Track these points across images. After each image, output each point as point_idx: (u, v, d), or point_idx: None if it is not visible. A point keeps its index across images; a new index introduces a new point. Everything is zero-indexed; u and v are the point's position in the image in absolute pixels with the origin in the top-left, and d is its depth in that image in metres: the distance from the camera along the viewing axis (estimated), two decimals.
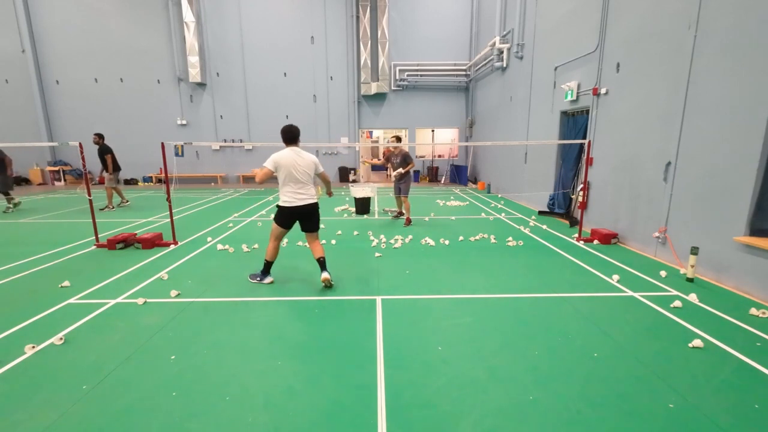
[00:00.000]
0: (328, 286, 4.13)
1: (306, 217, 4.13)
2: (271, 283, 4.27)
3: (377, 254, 5.39)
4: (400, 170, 7.13)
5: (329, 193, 4.67)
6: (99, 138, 9.44)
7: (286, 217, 4.07)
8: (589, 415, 2.20)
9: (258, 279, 4.32)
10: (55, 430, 2.11)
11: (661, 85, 5.12)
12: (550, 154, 8.48)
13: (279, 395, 2.39)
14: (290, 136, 4.06)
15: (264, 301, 3.87)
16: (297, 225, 4.20)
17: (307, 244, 4.54)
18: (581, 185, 6.52)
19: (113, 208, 9.57)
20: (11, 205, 9.29)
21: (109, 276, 4.54)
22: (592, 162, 6.72)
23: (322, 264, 4.18)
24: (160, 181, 15.74)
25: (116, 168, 9.63)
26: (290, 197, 4.00)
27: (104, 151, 9.38)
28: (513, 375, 2.59)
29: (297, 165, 3.96)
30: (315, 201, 4.12)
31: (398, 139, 7.20)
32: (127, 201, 10.23)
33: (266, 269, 4.29)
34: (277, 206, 4.11)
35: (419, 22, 15.19)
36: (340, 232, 6.73)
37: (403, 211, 7.57)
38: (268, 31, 15.03)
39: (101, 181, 9.93)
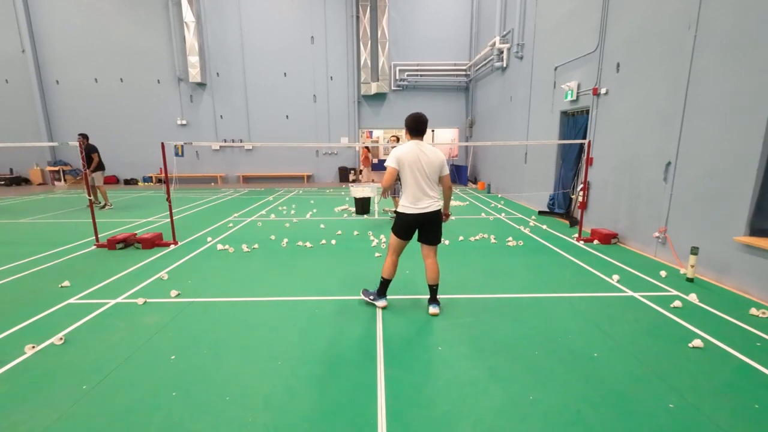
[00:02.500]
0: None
1: (427, 226, 3.44)
2: (385, 307, 3.63)
3: (377, 254, 5.39)
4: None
5: (446, 212, 3.62)
6: (84, 139, 9.26)
7: (406, 225, 3.44)
8: (589, 415, 2.20)
9: (371, 298, 3.70)
10: (55, 430, 2.11)
11: (661, 85, 5.12)
12: (550, 154, 8.48)
13: (279, 395, 2.39)
14: (418, 127, 3.36)
15: (264, 301, 3.87)
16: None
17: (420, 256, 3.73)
18: (581, 185, 6.52)
19: (111, 205, 9.60)
20: None
21: (109, 276, 4.54)
22: (592, 162, 6.72)
23: (433, 292, 3.58)
24: (160, 181, 15.74)
25: (101, 167, 9.51)
26: (412, 201, 3.36)
27: (92, 150, 9.24)
28: (513, 375, 2.59)
29: (421, 162, 3.30)
30: (439, 207, 3.45)
31: (397, 139, 7.21)
32: (111, 204, 10.00)
33: (382, 289, 3.64)
34: (396, 212, 3.53)
35: (419, 22, 15.19)
36: (340, 232, 6.73)
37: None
38: (268, 31, 15.04)
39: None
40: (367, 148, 12.96)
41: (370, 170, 12.70)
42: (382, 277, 3.62)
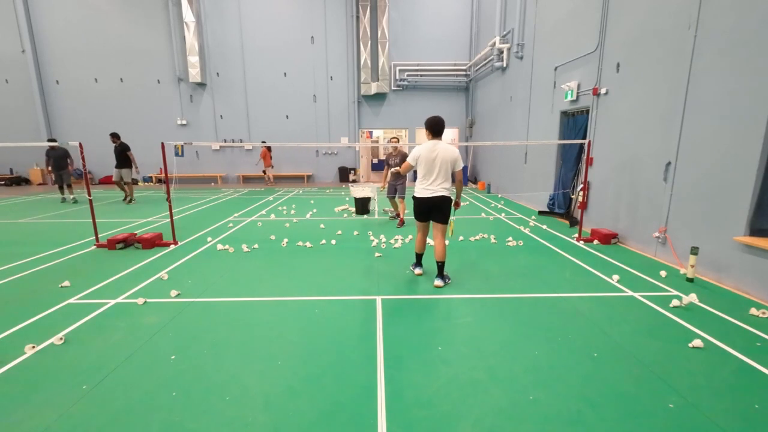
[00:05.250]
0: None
1: (435, 208, 4.11)
2: (420, 275, 4.45)
3: (377, 254, 5.39)
4: (397, 168, 7.10)
5: (456, 201, 4.34)
6: (116, 138, 10.18)
7: (417, 207, 4.21)
8: (589, 415, 2.20)
9: (412, 267, 4.61)
10: (55, 430, 2.11)
11: (661, 85, 5.12)
12: (550, 154, 8.48)
13: (279, 395, 2.39)
14: (435, 129, 4.08)
15: (264, 301, 3.87)
16: None
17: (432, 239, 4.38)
18: (581, 185, 6.52)
19: (135, 200, 10.52)
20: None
21: (109, 276, 4.54)
22: (592, 162, 6.72)
23: (439, 267, 4.19)
24: (160, 181, 15.74)
25: (130, 165, 10.55)
26: (422, 187, 4.12)
27: (126, 149, 10.17)
28: (513, 375, 2.59)
29: (433, 158, 3.99)
30: (444, 194, 4.06)
31: (397, 140, 7.26)
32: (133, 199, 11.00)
33: (417, 261, 4.55)
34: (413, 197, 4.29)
35: (419, 22, 15.18)
36: (340, 232, 6.73)
37: (399, 213, 7.54)
38: (268, 31, 15.02)
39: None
40: (268, 148, 13.72)
41: (272, 167, 14.39)
42: (415, 252, 4.52)
